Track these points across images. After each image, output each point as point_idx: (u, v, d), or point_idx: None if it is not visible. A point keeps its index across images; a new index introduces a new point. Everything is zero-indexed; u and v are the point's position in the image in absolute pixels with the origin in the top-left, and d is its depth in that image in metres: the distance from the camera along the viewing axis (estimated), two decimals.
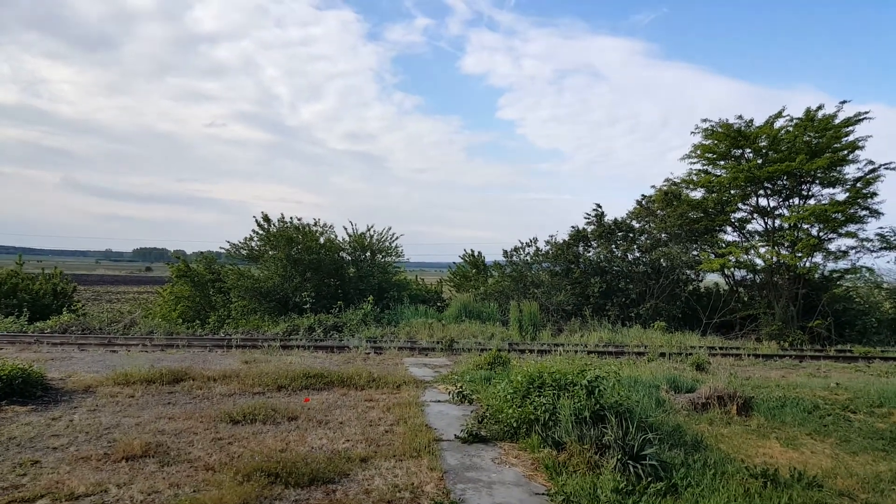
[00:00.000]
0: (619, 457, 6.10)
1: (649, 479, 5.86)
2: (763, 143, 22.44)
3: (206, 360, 13.16)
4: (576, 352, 15.75)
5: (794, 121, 22.14)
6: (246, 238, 23.93)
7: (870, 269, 22.53)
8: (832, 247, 22.54)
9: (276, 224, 23.69)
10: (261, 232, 23.71)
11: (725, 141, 22.97)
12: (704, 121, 23.30)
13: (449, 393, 10.17)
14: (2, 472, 6.00)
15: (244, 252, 23.92)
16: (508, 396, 8.34)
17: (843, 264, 22.83)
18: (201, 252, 26.13)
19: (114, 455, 6.53)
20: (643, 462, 6.06)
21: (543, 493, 5.79)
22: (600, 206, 25.41)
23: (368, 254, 25.01)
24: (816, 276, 22.69)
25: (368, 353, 15.17)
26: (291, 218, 23.90)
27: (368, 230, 25.04)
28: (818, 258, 22.42)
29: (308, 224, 23.86)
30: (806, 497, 5.75)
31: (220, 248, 24.46)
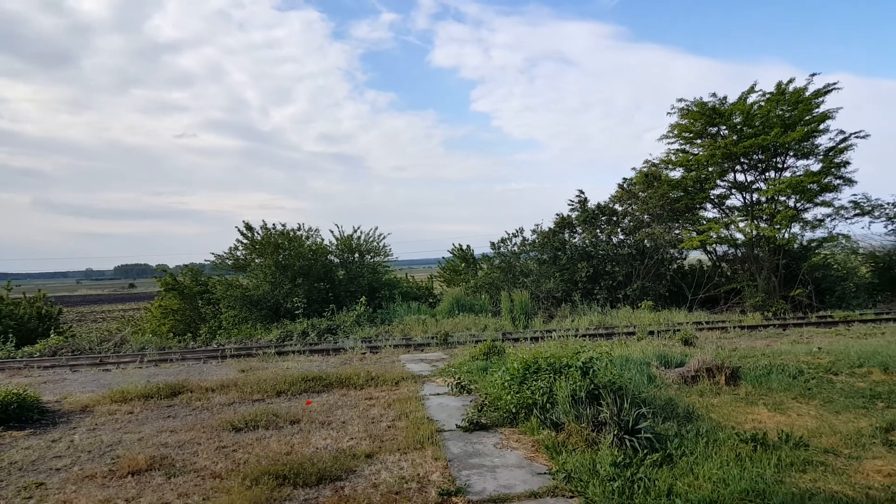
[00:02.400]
0: (616, 432, 6.30)
1: (645, 451, 6.06)
2: (737, 120, 22.80)
3: (202, 372, 13.21)
4: (568, 336, 15.97)
5: (767, 95, 22.50)
6: (231, 248, 23.92)
7: (846, 237, 23.04)
8: (809, 216, 23.05)
9: (260, 232, 23.68)
10: (245, 241, 23.69)
11: (701, 119, 23.30)
12: (680, 100, 23.63)
13: (447, 385, 10.33)
14: (7, 496, 6.04)
15: (230, 262, 23.88)
16: (506, 383, 8.53)
17: (820, 233, 23.34)
18: (186, 265, 26.03)
19: (119, 471, 6.60)
20: (638, 436, 6.26)
21: (545, 473, 5.97)
22: (583, 192, 25.71)
23: (357, 255, 25.08)
24: (795, 246, 23.15)
25: (364, 353, 15.28)
26: (275, 224, 23.92)
27: (355, 231, 25.15)
28: (796, 229, 22.90)
29: (293, 229, 23.90)
30: (793, 457, 5.98)
31: (205, 259, 24.43)
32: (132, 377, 12.31)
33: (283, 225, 23.88)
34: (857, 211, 22.71)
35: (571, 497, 5.36)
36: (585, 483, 5.48)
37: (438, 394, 9.89)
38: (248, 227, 23.69)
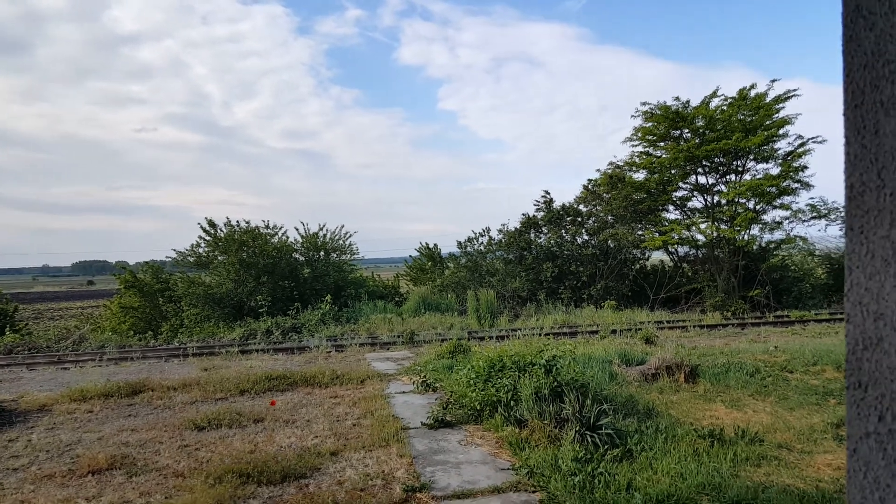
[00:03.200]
0: (577, 428, 6.45)
1: (606, 446, 6.22)
2: (700, 123, 23.33)
3: (164, 371, 13.02)
4: (532, 335, 16.16)
5: (729, 100, 23.06)
6: (193, 245, 23.56)
7: (803, 239, 23.77)
8: (767, 218, 23.71)
9: (224, 229, 23.37)
10: (207, 238, 23.36)
11: (664, 123, 23.76)
12: (644, 104, 24.05)
13: (413, 383, 10.38)
14: None
15: (192, 259, 23.52)
16: (471, 381, 8.63)
17: (778, 235, 24.04)
18: (146, 262, 25.56)
19: (79, 470, 6.50)
20: (599, 432, 6.42)
21: (508, 468, 6.08)
22: (549, 193, 26.01)
23: (322, 253, 24.93)
24: (754, 247, 23.80)
25: (330, 352, 15.24)
26: (238, 221, 23.62)
27: (321, 229, 24.98)
28: (755, 231, 23.55)
29: (258, 227, 23.64)
30: (749, 452, 6.21)
31: (166, 256, 24.04)
32: (91, 376, 12.07)
33: (248, 222, 23.64)
34: (814, 214, 23.43)
35: (534, 492, 5.47)
36: (548, 478, 5.60)
37: (404, 392, 9.94)
38: (212, 224, 23.36)
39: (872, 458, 0.99)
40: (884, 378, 0.97)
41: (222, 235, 23.17)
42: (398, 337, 17.11)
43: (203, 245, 23.47)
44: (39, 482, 6.24)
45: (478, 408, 7.99)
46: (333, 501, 5.29)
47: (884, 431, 0.97)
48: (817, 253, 25.80)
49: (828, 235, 25.12)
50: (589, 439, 6.32)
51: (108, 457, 6.78)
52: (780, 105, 22.38)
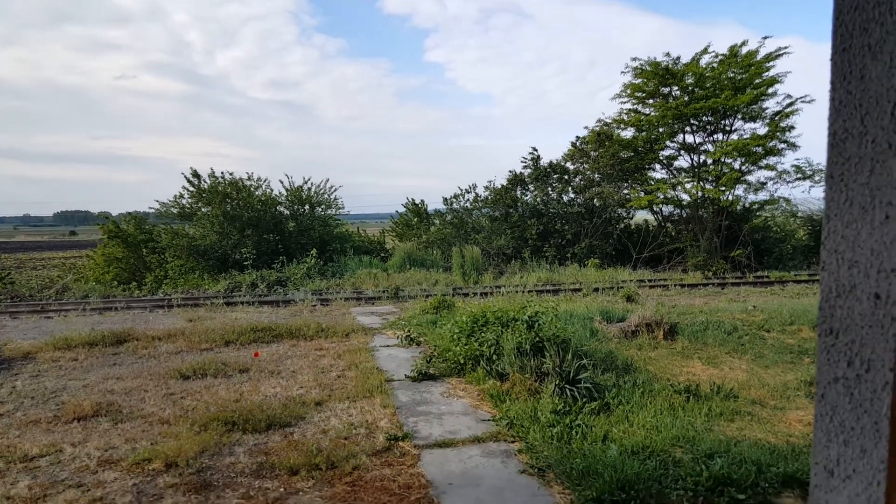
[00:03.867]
0: (557, 382, 6.58)
1: (584, 400, 6.37)
2: (689, 81, 23.16)
3: (148, 321, 13.02)
4: (516, 292, 16.30)
5: (719, 57, 22.86)
6: (176, 196, 23.29)
7: (786, 200, 23.99)
8: (752, 179, 23.87)
9: (208, 180, 23.10)
10: (191, 189, 23.09)
11: (654, 79, 23.57)
12: (634, 59, 23.80)
13: (397, 337, 10.49)
14: None
15: (175, 210, 23.29)
16: (455, 336, 8.74)
17: (762, 195, 24.23)
18: (129, 212, 25.27)
19: (64, 417, 6.55)
20: (578, 386, 6.55)
21: (489, 420, 6.21)
22: (536, 150, 25.88)
23: (307, 207, 24.78)
24: (738, 208, 24.00)
25: (315, 306, 15.30)
26: (223, 173, 23.34)
27: (306, 183, 24.77)
28: (740, 191, 23.72)
29: (241, 179, 23.39)
30: (723, 407, 6.38)
31: (150, 207, 23.79)
32: (75, 325, 12.05)
33: (231, 174, 23.36)
34: (799, 175, 23.59)
35: (513, 442, 5.61)
36: (527, 429, 5.73)
37: (388, 345, 10.05)
38: (195, 175, 23.06)
39: (839, 402, 1.03)
40: (855, 325, 1.00)
41: (206, 187, 22.91)
42: (383, 292, 17.19)
43: (186, 196, 23.23)
44: (25, 427, 6.29)
45: (461, 362, 8.11)
46: (318, 449, 5.39)
47: (851, 376, 1.00)
48: (800, 214, 26.12)
49: (811, 197, 25.37)
50: (568, 393, 6.46)
51: (94, 404, 6.83)
52: (771, 63, 22.21)
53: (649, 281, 19.34)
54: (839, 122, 1.06)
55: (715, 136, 24.12)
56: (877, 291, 0.96)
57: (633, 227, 26.85)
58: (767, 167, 23.26)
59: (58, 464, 5.31)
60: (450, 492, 4.60)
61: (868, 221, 0.98)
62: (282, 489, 4.72)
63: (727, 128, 23.79)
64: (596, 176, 25.19)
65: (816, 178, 23.96)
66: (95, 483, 4.89)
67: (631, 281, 18.74)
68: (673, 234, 25.52)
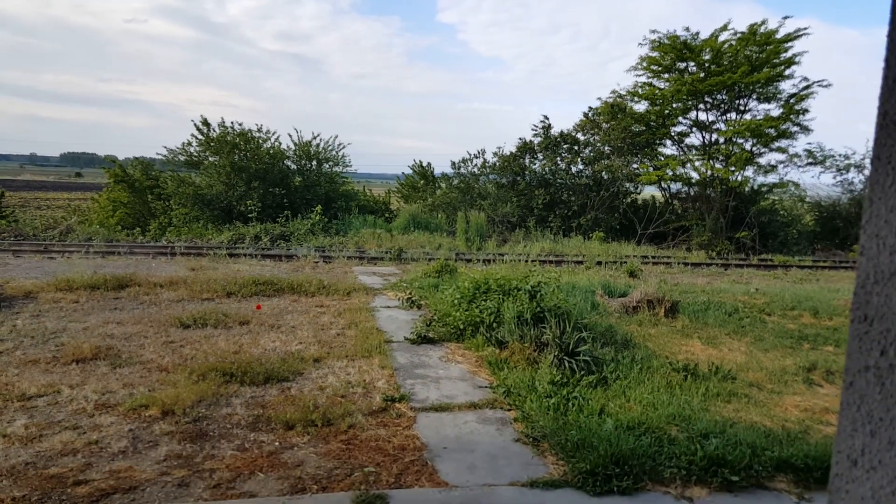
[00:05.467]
0: (556, 353, 6.58)
1: (582, 372, 6.37)
2: (707, 57, 22.74)
3: (151, 267, 13.04)
4: (519, 261, 16.28)
5: (738, 35, 22.39)
6: (184, 143, 23.16)
7: (795, 184, 23.78)
8: (763, 161, 23.63)
9: (217, 129, 22.91)
10: (200, 137, 22.93)
11: (671, 53, 23.14)
12: (653, 31, 23.33)
13: (398, 299, 10.49)
14: None
15: (183, 158, 23.18)
16: (456, 301, 8.73)
17: (771, 178, 24.03)
18: (136, 157, 25.15)
19: (63, 358, 6.59)
20: (577, 358, 6.55)
21: (486, 387, 6.23)
22: (547, 118, 25.56)
23: (315, 163, 24.61)
24: (746, 189, 23.80)
25: (317, 262, 15.30)
26: (232, 123, 23.13)
27: (314, 138, 24.53)
28: (749, 172, 23.49)
29: (250, 130, 23.20)
30: (720, 388, 6.38)
31: (157, 153, 23.66)
32: (78, 267, 12.06)
33: (241, 124, 23.15)
34: (810, 160, 23.35)
35: (509, 410, 5.63)
36: (523, 398, 5.75)
37: (389, 307, 10.06)
38: (206, 123, 22.86)
39: (869, 391, 0.99)
40: (891, 312, 0.95)
41: (215, 136, 22.74)
42: (386, 253, 17.18)
43: (195, 144, 23.09)
44: (24, 367, 6.33)
45: (461, 327, 8.11)
46: (314, 405, 5.42)
47: (884, 366, 0.96)
48: (808, 199, 25.90)
49: (820, 183, 25.19)
50: (566, 364, 6.47)
51: (93, 347, 6.86)
52: (790, 44, 21.76)
53: (653, 257, 19.30)
54: (892, 101, 0.99)
55: (728, 115, 23.79)
56: None
57: (639, 202, 26.68)
58: (779, 150, 23.02)
59: (55, 405, 5.35)
60: (444, 456, 4.62)
61: None
62: (277, 443, 4.76)
63: (741, 107, 23.45)
64: (606, 148, 24.92)
65: (827, 163, 23.71)
66: (91, 426, 4.93)
67: (634, 256, 18.69)
68: (679, 211, 25.38)
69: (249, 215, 20.94)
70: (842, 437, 1.04)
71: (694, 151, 24.82)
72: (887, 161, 0.99)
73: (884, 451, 0.97)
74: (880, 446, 0.97)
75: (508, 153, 25.26)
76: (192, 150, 23.16)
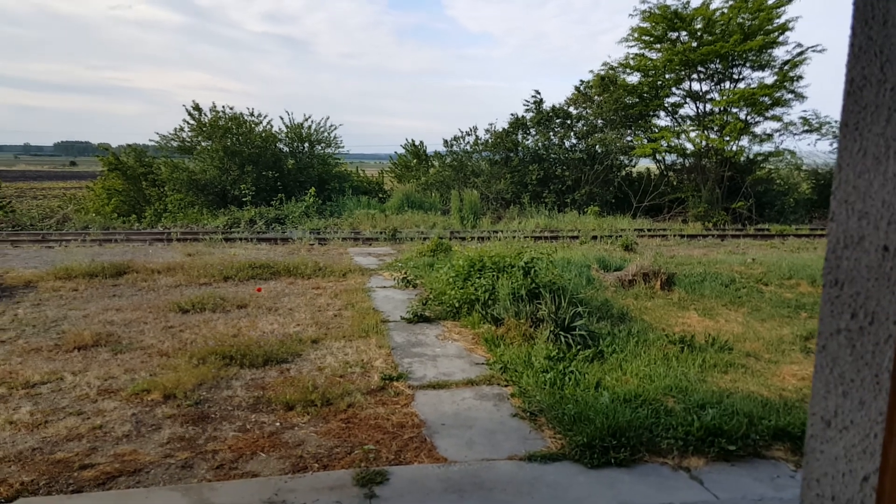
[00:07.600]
0: (552, 329, 6.64)
1: (578, 347, 6.43)
2: (699, 25, 22.56)
3: (148, 254, 13.06)
4: (514, 238, 16.31)
5: (730, 2, 22.17)
6: (176, 129, 23.01)
7: (791, 152, 23.73)
8: (758, 130, 23.53)
9: (209, 114, 22.76)
10: (192, 122, 22.78)
11: (662, 23, 22.94)
12: (643, 2, 23.08)
13: (394, 279, 10.53)
14: None
15: (175, 144, 23.04)
16: (451, 279, 8.77)
17: (767, 147, 23.94)
18: (129, 144, 25.00)
19: (65, 346, 6.64)
20: (573, 333, 6.61)
21: (483, 363, 6.30)
22: (539, 93, 25.36)
23: (307, 145, 24.52)
24: (742, 159, 23.72)
25: (312, 244, 15.32)
26: (224, 107, 22.97)
27: (306, 120, 24.41)
28: (744, 142, 23.40)
29: (242, 114, 23.06)
30: (717, 358, 6.43)
31: (150, 140, 23.51)
32: (76, 255, 12.06)
33: (232, 108, 23.00)
34: (806, 127, 23.23)
35: (506, 386, 5.70)
36: (520, 374, 5.81)
37: (385, 287, 10.10)
38: (197, 108, 22.69)
39: (840, 354, 1.02)
40: (861, 276, 0.98)
41: (207, 121, 22.60)
42: (381, 233, 17.20)
43: (187, 129, 22.94)
44: (26, 355, 6.38)
45: (456, 305, 8.16)
46: (313, 386, 5.48)
47: (854, 328, 0.99)
48: (804, 167, 25.86)
49: (817, 150, 25.09)
50: (562, 339, 6.52)
51: (94, 334, 6.91)
52: (782, 9, 21.55)
53: (649, 230, 19.33)
54: (857, 68, 1.01)
55: (722, 85, 23.66)
56: (885, 244, 0.94)
57: (634, 175, 26.61)
58: (774, 118, 22.89)
59: (58, 391, 5.40)
60: (442, 432, 4.69)
61: (881, 172, 0.95)
62: (277, 423, 4.82)
63: (734, 76, 23.31)
64: (599, 122, 24.79)
65: (823, 130, 23.60)
66: (95, 411, 4.99)
67: (630, 230, 18.73)
68: (675, 183, 25.33)
69: (244, 199, 20.90)
70: (816, 399, 1.08)
71: (688, 122, 24.74)
72: (854, 128, 1.01)
73: (855, 411, 1.01)
74: (852, 406, 1.01)
75: (501, 129, 25.09)
76: (184, 135, 23.02)
